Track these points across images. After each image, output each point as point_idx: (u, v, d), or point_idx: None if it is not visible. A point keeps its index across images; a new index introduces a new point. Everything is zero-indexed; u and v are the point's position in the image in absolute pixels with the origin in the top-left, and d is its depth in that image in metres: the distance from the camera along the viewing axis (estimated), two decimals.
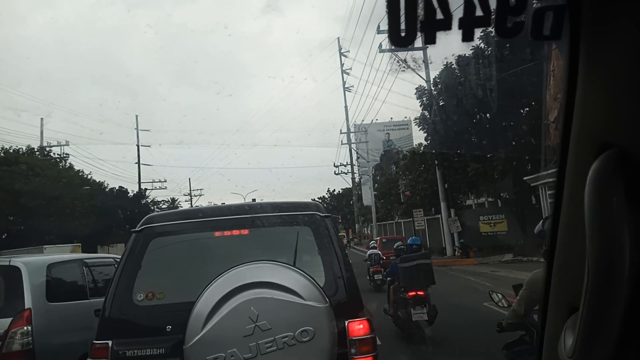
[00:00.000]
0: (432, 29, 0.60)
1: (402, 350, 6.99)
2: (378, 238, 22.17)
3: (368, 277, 13.44)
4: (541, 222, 4.18)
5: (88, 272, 5.30)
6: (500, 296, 3.82)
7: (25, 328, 4.08)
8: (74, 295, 4.96)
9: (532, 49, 15.30)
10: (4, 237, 24.80)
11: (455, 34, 0.62)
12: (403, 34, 0.60)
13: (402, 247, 8.43)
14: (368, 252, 14.58)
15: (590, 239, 0.66)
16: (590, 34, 0.70)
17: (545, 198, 10.12)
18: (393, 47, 24.48)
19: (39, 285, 4.45)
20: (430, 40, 0.61)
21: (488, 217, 24.73)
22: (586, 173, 0.67)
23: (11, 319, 4.07)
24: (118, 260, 5.57)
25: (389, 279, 8.21)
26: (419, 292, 6.92)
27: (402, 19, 0.60)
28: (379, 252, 14.07)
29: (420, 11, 0.58)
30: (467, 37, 0.61)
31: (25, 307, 4.18)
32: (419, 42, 0.63)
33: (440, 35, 0.61)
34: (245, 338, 2.47)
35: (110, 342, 2.79)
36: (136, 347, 2.77)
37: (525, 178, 11.94)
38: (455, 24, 0.60)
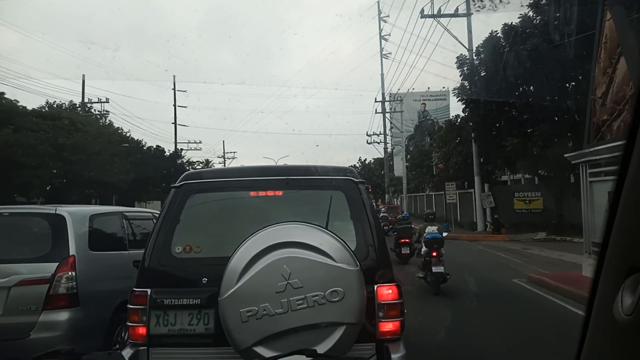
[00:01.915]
0: None
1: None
2: (383, 206, 33.17)
3: None
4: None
5: (127, 225, 5.48)
6: (417, 234, 9.87)
7: (69, 273, 4.29)
8: (114, 246, 5.15)
9: (583, 20, 14.42)
10: (48, 188, 25.95)
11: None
12: None
13: (402, 217, 15.51)
14: (380, 215, 22.62)
15: None
16: None
17: (586, 177, 9.75)
18: (435, 13, 23.58)
19: (82, 234, 4.62)
20: None
21: (523, 194, 24.17)
22: None
23: (57, 264, 4.28)
24: (156, 215, 5.77)
25: (395, 233, 14.20)
26: (406, 240, 12.93)
27: None
28: (387, 214, 24.10)
29: None
30: None
31: (70, 254, 4.37)
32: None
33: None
34: (277, 294, 2.53)
35: (149, 290, 2.92)
36: (173, 296, 2.89)
37: (566, 155, 11.49)
38: None
